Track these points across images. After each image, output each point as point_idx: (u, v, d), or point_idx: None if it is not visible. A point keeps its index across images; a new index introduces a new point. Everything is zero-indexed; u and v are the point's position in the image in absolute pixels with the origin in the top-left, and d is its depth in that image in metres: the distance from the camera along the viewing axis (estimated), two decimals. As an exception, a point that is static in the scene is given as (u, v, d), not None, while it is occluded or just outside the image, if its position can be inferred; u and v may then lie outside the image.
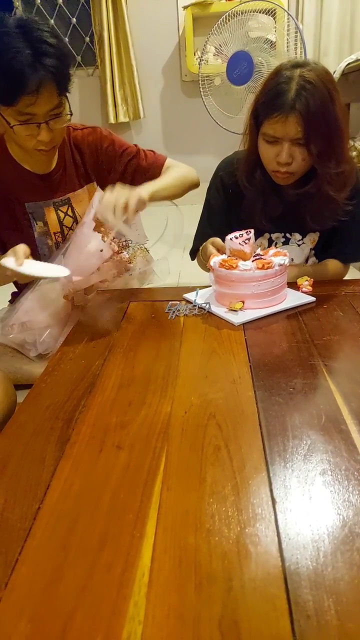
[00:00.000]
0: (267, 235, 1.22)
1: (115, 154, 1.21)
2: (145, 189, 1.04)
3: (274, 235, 1.22)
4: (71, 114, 1.07)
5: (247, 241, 0.98)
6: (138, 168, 1.23)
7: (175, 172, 1.21)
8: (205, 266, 1.10)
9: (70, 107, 1.06)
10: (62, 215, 1.21)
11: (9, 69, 0.91)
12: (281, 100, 0.98)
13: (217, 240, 1.10)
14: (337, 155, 1.04)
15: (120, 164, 1.22)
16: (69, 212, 1.22)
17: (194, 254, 1.31)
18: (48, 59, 0.93)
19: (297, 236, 1.22)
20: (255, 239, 1.22)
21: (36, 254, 1.23)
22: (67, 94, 1.03)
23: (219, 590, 0.41)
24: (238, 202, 1.19)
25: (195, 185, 1.27)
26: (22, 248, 0.95)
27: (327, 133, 1.00)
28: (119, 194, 0.97)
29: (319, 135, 0.99)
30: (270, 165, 1.08)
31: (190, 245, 1.31)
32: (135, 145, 1.25)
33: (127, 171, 1.23)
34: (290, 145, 1.02)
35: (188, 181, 1.23)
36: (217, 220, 1.25)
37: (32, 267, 0.96)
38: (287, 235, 1.22)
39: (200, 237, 1.26)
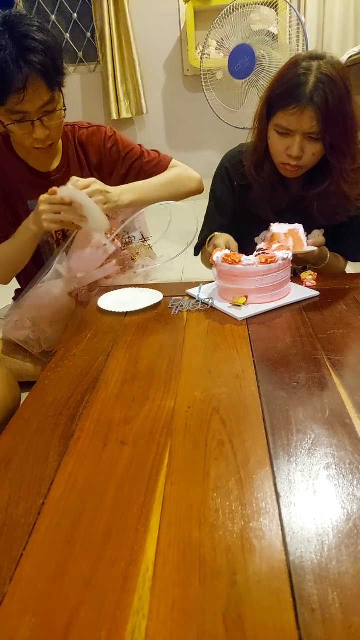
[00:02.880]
0: (265, 232, 1.22)
1: (119, 155, 1.21)
2: (127, 197, 1.08)
3: None
4: (65, 109, 1.05)
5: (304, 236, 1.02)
6: (142, 170, 1.22)
7: (171, 178, 1.20)
8: (208, 262, 1.10)
9: (64, 102, 1.04)
10: None
11: None
12: (299, 92, 0.96)
13: (231, 239, 1.09)
14: (352, 151, 1.02)
15: (124, 165, 1.22)
16: None
17: (198, 249, 1.30)
18: (33, 54, 0.91)
19: None
20: (259, 233, 1.22)
21: (38, 253, 1.23)
22: (62, 88, 1.02)
23: (223, 584, 0.41)
24: (243, 194, 1.18)
25: (194, 191, 1.26)
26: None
27: (343, 129, 0.99)
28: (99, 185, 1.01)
29: (335, 131, 0.98)
30: (279, 157, 1.06)
31: (192, 241, 1.31)
32: (140, 146, 1.24)
33: (130, 173, 1.22)
34: (302, 139, 1.00)
35: (184, 190, 1.22)
36: (225, 211, 1.24)
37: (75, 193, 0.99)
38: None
39: (209, 228, 1.25)
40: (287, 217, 1.18)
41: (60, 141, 1.17)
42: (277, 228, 1.05)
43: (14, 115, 0.97)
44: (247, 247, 1.12)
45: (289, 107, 0.97)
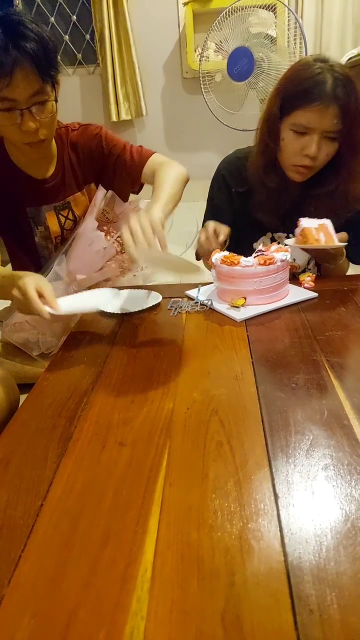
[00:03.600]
0: (269, 234, 1.22)
1: (103, 152, 1.18)
2: (157, 214, 0.94)
3: (276, 235, 1.22)
4: (56, 102, 1.01)
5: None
6: (123, 164, 1.18)
7: (170, 178, 1.13)
8: (209, 265, 1.09)
9: (56, 96, 1.00)
10: (62, 219, 1.20)
11: None
12: (320, 89, 0.95)
13: (219, 225, 1.08)
14: None
15: (109, 161, 1.19)
16: (70, 216, 1.21)
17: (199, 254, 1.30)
18: (24, 41, 0.89)
19: None
20: (257, 239, 1.22)
21: (37, 259, 1.23)
22: (55, 85, 0.99)
23: (221, 585, 0.41)
24: (242, 201, 1.17)
25: (187, 180, 1.21)
26: (46, 289, 0.86)
27: (359, 128, 0.99)
28: (142, 226, 0.86)
29: (355, 129, 0.98)
30: (293, 158, 1.04)
31: (192, 243, 1.31)
32: (125, 143, 1.20)
33: (117, 168, 1.19)
34: (320, 138, 0.99)
35: (183, 182, 1.18)
36: (222, 219, 1.23)
37: (70, 304, 0.91)
38: (290, 235, 1.21)
39: None
40: (285, 224, 1.18)
41: (55, 146, 1.15)
42: (307, 223, 1.02)
43: (2, 102, 0.93)
44: (244, 253, 1.12)
45: (312, 104, 0.96)
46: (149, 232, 0.83)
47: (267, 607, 0.39)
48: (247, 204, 1.17)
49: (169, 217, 1.03)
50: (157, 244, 0.83)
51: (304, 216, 1.05)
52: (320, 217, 1.10)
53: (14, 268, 1.23)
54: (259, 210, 1.15)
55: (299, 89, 0.98)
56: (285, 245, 1.03)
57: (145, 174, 1.16)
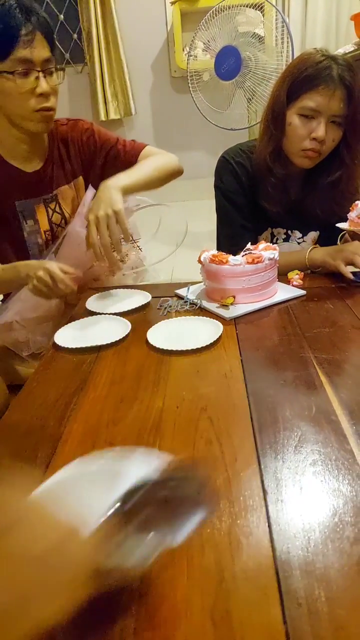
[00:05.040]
0: (269, 229, 1.22)
1: (95, 145, 1.21)
2: (116, 189, 1.04)
3: (275, 231, 1.22)
4: (64, 70, 1.09)
5: None
6: (116, 157, 1.21)
7: (152, 160, 1.18)
8: None
9: (63, 74, 1.09)
10: (50, 212, 1.21)
11: (2, 19, 0.95)
12: (327, 73, 0.99)
13: None
14: None
15: (101, 155, 1.21)
16: (57, 209, 1.22)
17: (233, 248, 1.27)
18: (37, 13, 0.99)
19: (297, 234, 1.22)
20: (262, 231, 1.22)
21: (26, 257, 1.22)
22: (57, 67, 1.06)
23: (211, 582, 0.41)
24: (251, 192, 1.17)
25: (177, 172, 1.23)
26: (68, 267, 0.99)
27: None
28: (100, 230, 1.00)
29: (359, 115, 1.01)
30: (300, 143, 1.05)
31: (184, 241, 1.30)
32: (117, 136, 1.23)
33: (107, 161, 1.22)
34: (327, 122, 1.02)
35: (168, 169, 1.20)
36: (241, 207, 1.19)
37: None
38: (289, 232, 1.22)
39: (230, 225, 1.20)
40: (285, 220, 1.19)
41: (46, 138, 1.17)
42: None
43: (20, 65, 0.99)
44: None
45: (320, 87, 0.99)
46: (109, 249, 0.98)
47: (256, 601, 0.39)
48: (253, 197, 1.17)
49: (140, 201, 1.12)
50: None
51: (308, 206, 1.05)
52: (323, 206, 1.11)
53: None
54: (264, 200, 1.15)
55: (306, 74, 1.01)
56: (338, 227, 1.04)
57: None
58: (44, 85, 1.02)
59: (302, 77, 1.02)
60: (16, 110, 1.07)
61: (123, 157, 1.21)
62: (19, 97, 1.03)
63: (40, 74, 1.01)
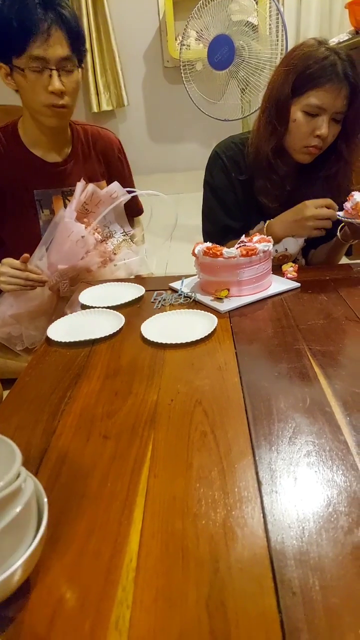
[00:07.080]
0: (262, 223, 1.21)
1: (123, 172, 1.30)
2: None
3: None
4: (82, 68, 1.09)
5: None
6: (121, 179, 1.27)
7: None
8: None
9: (81, 76, 1.09)
10: (67, 204, 1.22)
11: (19, 14, 0.96)
12: (333, 70, 0.98)
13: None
14: None
15: (114, 169, 1.30)
16: None
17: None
18: (60, 7, 0.98)
19: None
20: (254, 225, 1.21)
21: (37, 244, 1.23)
22: (81, 65, 1.07)
23: (206, 572, 0.41)
24: (242, 187, 1.17)
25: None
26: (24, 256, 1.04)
27: None
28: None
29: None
30: (304, 140, 1.05)
31: (178, 234, 1.30)
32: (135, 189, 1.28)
33: (113, 178, 1.27)
34: (329, 119, 1.02)
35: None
36: (227, 204, 1.19)
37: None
38: None
39: (212, 222, 1.21)
40: (279, 213, 1.18)
41: (70, 132, 1.21)
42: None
43: (34, 62, 0.99)
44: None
45: (325, 85, 0.98)
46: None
47: (251, 592, 0.39)
48: (247, 191, 1.16)
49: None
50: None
51: (305, 199, 1.05)
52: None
53: (4, 255, 1.21)
54: (260, 194, 1.15)
55: (311, 70, 1.00)
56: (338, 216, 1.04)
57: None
58: (56, 83, 1.02)
59: (307, 73, 1.00)
60: (30, 104, 1.09)
61: (130, 201, 1.25)
62: (32, 91, 1.05)
63: (54, 72, 1.01)
